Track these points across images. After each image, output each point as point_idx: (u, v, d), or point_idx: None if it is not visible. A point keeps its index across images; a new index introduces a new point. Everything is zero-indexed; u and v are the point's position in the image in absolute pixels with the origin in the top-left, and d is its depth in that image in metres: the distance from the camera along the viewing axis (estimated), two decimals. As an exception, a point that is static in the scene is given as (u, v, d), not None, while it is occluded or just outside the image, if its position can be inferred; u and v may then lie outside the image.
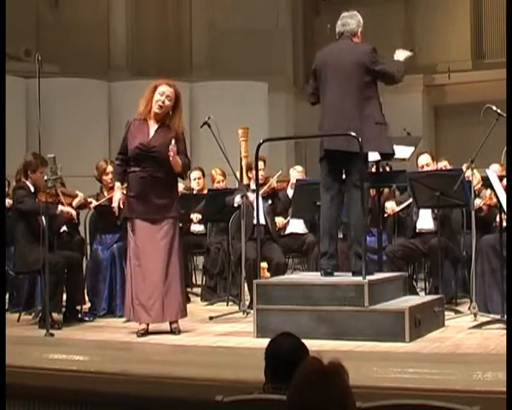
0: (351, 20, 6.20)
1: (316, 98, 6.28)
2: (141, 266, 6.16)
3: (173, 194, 6.32)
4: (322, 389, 2.35)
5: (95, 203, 7.39)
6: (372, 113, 6.04)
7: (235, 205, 7.54)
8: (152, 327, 6.25)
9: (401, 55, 6.32)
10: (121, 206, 6.28)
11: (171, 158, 6.07)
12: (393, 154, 6.29)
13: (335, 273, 6.13)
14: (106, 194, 7.47)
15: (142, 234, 6.20)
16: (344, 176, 6.15)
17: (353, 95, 6.00)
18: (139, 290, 6.15)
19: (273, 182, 7.84)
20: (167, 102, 6.19)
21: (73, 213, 7.10)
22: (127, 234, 6.35)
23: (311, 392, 2.35)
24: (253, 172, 7.41)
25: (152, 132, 6.22)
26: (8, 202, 7.58)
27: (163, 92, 6.18)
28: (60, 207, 6.92)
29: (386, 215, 7.74)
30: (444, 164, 8.13)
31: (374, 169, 7.14)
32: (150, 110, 6.22)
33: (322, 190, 6.21)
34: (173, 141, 6.09)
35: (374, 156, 6.56)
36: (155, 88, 6.21)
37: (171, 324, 6.20)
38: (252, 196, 7.28)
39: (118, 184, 6.38)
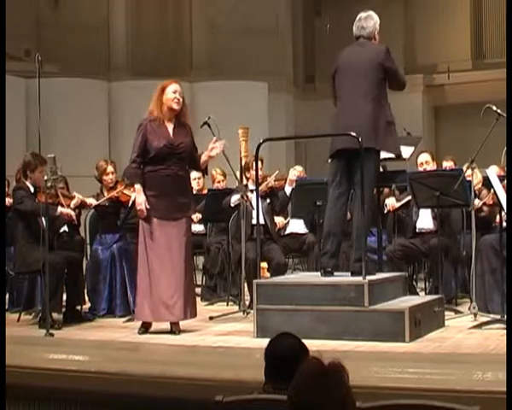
0: (367, 24, 6.25)
1: None
2: (162, 265, 6.15)
3: (191, 192, 6.46)
4: (323, 389, 2.35)
5: (94, 202, 7.38)
6: (385, 111, 6.08)
7: (232, 205, 7.53)
8: (152, 326, 6.28)
9: None
10: (147, 206, 6.18)
11: (207, 158, 6.35)
12: (399, 156, 6.29)
13: (335, 273, 6.13)
14: (106, 194, 7.48)
15: (162, 233, 6.18)
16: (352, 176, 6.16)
17: (367, 93, 6.04)
18: (162, 289, 6.13)
19: (271, 181, 7.84)
20: (182, 99, 6.29)
21: (73, 214, 7.10)
22: (139, 233, 6.29)
23: (311, 392, 2.35)
24: (251, 171, 7.43)
25: (171, 132, 6.28)
26: (9, 201, 7.57)
27: (175, 90, 6.27)
28: (59, 209, 6.92)
29: (386, 212, 7.74)
30: (449, 164, 8.14)
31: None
32: (163, 113, 6.26)
33: (329, 188, 6.22)
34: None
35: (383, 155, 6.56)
36: (164, 89, 6.26)
37: (171, 324, 6.20)
38: (250, 196, 7.27)
39: (138, 186, 6.24)
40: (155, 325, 6.31)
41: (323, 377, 2.38)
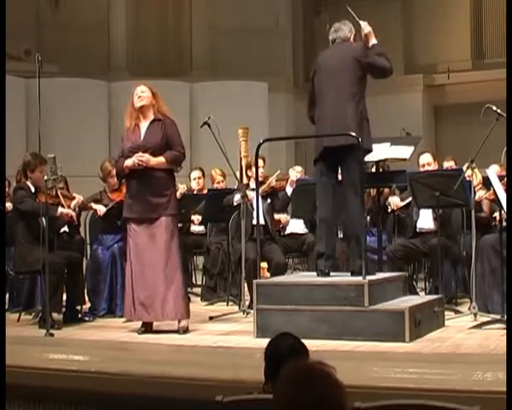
0: (343, 27, 6.26)
1: (314, 111, 6.22)
2: (140, 266, 6.22)
3: (170, 192, 6.36)
4: (306, 389, 2.33)
5: (103, 210, 7.36)
6: (363, 109, 6.08)
7: (235, 204, 7.53)
8: (154, 325, 6.31)
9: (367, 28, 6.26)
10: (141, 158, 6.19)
11: (145, 165, 6.17)
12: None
13: (334, 273, 6.13)
14: (109, 195, 7.48)
15: (141, 234, 6.24)
16: (340, 175, 6.13)
17: (348, 90, 6.03)
18: (140, 289, 6.20)
19: (272, 181, 7.84)
20: (144, 94, 6.33)
21: (73, 215, 7.10)
22: (126, 234, 6.38)
23: (293, 392, 2.33)
24: (253, 170, 7.41)
25: (143, 132, 6.32)
26: (8, 205, 7.55)
27: (137, 92, 6.37)
28: (60, 209, 6.92)
29: (389, 211, 7.73)
30: (450, 164, 8.13)
31: (374, 169, 7.15)
32: (137, 116, 6.34)
33: (318, 190, 6.19)
34: (140, 153, 6.19)
35: (372, 156, 6.56)
36: (132, 99, 6.38)
37: (179, 322, 6.21)
38: (252, 194, 7.27)
39: (126, 162, 6.26)
40: (157, 324, 6.32)
41: (306, 378, 2.36)
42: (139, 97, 6.32)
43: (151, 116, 6.33)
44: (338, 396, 2.32)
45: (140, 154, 6.19)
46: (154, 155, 6.22)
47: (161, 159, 6.22)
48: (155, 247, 6.20)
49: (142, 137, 6.29)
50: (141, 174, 6.22)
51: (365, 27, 6.14)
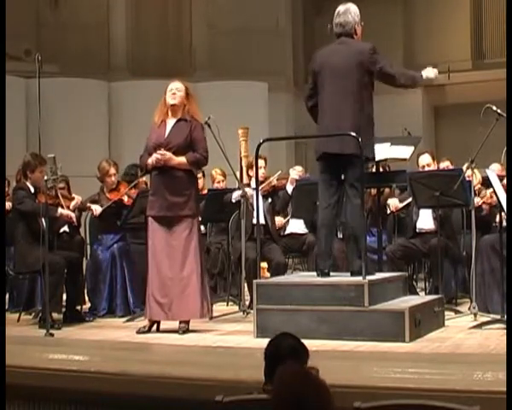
0: (345, 20, 6.04)
1: (313, 102, 6.18)
2: (156, 265, 6.22)
3: (190, 192, 6.31)
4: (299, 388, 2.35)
5: (99, 210, 7.35)
6: (370, 114, 6.02)
7: (233, 200, 7.50)
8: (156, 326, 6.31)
9: (427, 73, 6.24)
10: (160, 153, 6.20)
11: (162, 163, 6.18)
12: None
13: (333, 273, 6.13)
14: (107, 194, 7.47)
15: (158, 233, 6.25)
16: (342, 176, 6.13)
17: (352, 95, 5.94)
18: (155, 289, 6.20)
19: (273, 180, 7.84)
20: (178, 93, 6.32)
21: (73, 216, 7.10)
22: (146, 233, 6.38)
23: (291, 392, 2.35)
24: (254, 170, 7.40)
25: (168, 130, 6.31)
26: (8, 204, 7.54)
27: (172, 87, 6.35)
28: (59, 211, 6.91)
29: (389, 213, 7.73)
30: (446, 164, 8.13)
31: (374, 169, 7.15)
32: (166, 112, 6.34)
33: (320, 189, 6.18)
34: (162, 150, 6.19)
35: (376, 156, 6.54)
36: (165, 91, 6.36)
37: (180, 322, 6.22)
38: (251, 192, 7.25)
39: (148, 160, 6.31)
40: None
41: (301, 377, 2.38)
42: (173, 94, 6.31)
43: (179, 115, 6.33)
44: (323, 397, 2.35)
45: (162, 152, 6.19)
46: (176, 154, 6.22)
47: (182, 159, 6.22)
48: (172, 247, 6.20)
49: (166, 135, 6.28)
50: (162, 172, 6.23)
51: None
